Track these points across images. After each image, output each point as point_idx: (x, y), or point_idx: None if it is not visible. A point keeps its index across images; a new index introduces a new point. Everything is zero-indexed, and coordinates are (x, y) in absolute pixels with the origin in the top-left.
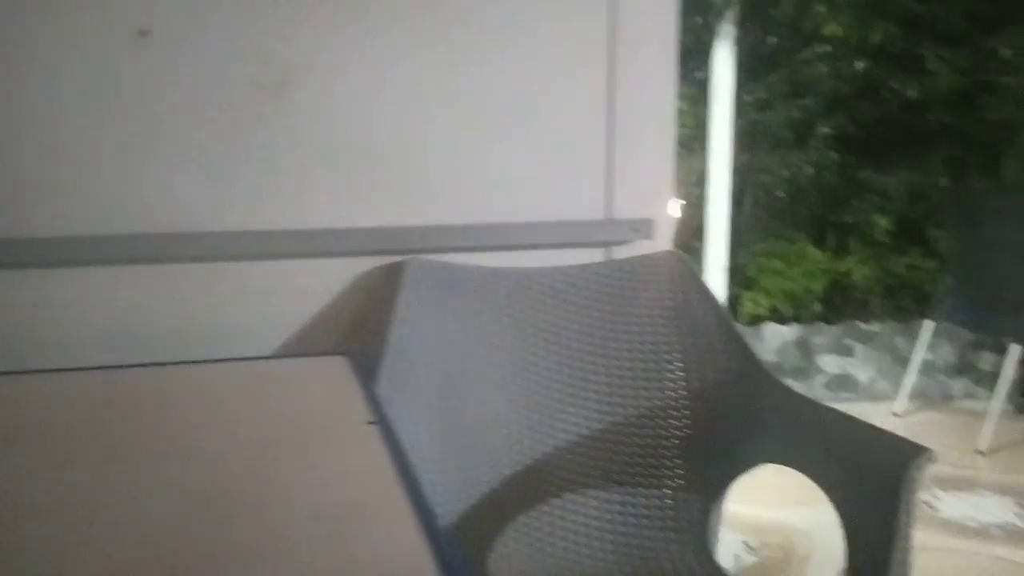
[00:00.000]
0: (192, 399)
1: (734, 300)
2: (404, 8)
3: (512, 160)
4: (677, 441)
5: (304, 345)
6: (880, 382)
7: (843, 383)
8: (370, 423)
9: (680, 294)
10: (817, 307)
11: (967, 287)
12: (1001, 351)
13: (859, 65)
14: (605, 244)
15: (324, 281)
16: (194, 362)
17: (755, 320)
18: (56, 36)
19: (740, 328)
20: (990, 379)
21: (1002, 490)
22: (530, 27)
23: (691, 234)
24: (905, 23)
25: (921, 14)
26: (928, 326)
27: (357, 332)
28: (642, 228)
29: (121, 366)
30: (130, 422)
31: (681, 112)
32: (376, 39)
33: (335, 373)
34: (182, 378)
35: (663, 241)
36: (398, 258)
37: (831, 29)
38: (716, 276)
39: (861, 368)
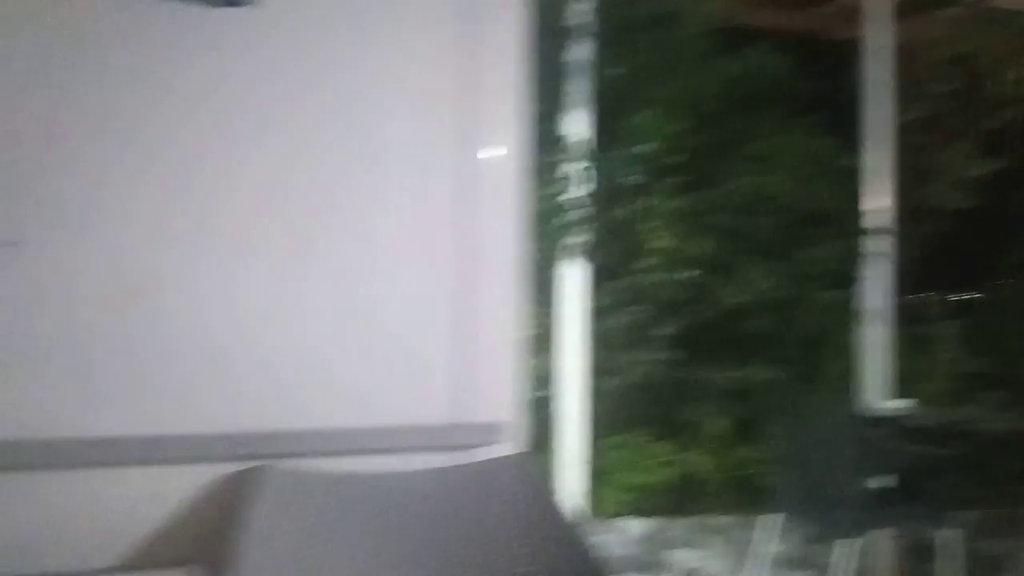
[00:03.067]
0: None
1: (591, 494)
2: (248, 220)
3: (360, 365)
4: None
5: (148, 558)
6: None
7: None
8: None
9: (531, 499)
10: (670, 499)
11: (800, 482)
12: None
13: (687, 274)
14: (455, 448)
15: (171, 490)
16: None
17: (613, 515)
18: None
19: (596, 524)
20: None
21: None
22: (375, 233)
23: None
24: (725, 235)
25: (738, 227)
26: (772, 519)
27: (205, 543)
28: (492, 431)
29: None
30: None
31: (538, 314)
32: (223, 251)
33: None
34: None
35: (514, 443)
36: (247, 464)
37: (661, 243)
38: (573, 472)
39: (712, 562)
